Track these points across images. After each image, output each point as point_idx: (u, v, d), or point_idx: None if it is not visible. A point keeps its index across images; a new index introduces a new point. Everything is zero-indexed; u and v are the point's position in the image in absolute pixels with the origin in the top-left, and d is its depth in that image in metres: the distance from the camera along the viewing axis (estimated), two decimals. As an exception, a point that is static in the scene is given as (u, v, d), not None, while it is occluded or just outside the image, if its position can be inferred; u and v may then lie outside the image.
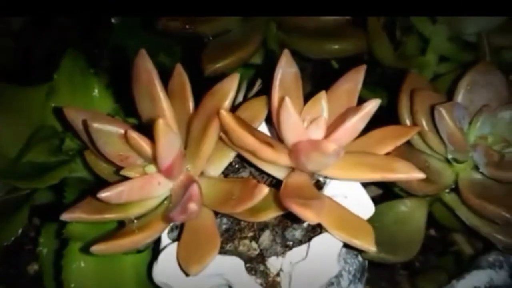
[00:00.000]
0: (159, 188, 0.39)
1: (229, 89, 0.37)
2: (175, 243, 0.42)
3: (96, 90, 0.58)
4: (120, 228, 0.41)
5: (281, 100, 0.37)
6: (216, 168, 0.44)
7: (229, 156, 0.44)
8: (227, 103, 0.37)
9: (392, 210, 0.51)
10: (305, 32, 0.53)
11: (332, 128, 0.39)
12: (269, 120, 0.44)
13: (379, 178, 0.38)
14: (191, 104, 0.42)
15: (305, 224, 0.45)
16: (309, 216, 0.34)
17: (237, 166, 0.49)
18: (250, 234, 0.46)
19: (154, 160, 0.39)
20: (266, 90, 0.48)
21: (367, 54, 0.62)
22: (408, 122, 0.49)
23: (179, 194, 0.39)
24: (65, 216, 0.37)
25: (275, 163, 0.40)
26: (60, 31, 0.70)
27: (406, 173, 0.37)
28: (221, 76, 0.47)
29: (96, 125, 0.39)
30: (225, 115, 0.35)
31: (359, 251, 0.49)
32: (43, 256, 0.51)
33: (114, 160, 0.41)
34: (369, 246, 0.37)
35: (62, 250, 0.44)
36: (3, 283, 0.53)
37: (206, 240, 0.39)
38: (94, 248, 0.36)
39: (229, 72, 0.51)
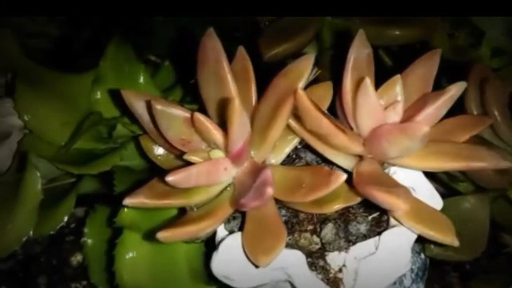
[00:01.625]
0: (225, 174, 0.37)
1: (304, 69, 0.35)
2: (235, 234, 0.40)
3: (142, 78, 0.57)
4: (180, 216, 0.39)
5: (358, 82, 0.35)
6: (278, 156, 0.41)
7: (292, 143, 0.42)
8: (302, 83, 0.35)
9: (455, 207, 0.48)
10: (363, 17, 0.51)
11: (409, 114, 0.36)
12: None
13: (464, 167, 0.35)
14: (254, 88, 0.40)
15: (369, 218, 0.43)
16: (398, 204, 0.31)
17: (293, 156, 0.47)
18: (310, 227, 0.44)
19: (220, 144, 0.37)
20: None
21: (420, 44, 0.60)
22: (475, 113, 0.46)
23: (244, 181, 0.37)
24: (127, 201, 0.35)
25: (346, 150, 0.37)
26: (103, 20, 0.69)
27: (492, 161, 0.35)
28: (277, 63, 0.45)
29: (160, 107, 0.37)
30: (302, 94, 0.33)
31: (423, 249, 0.47)
32: (88, 246, 0.50)
33: (176, 145, 0.39)
34: (452, 240, 0.35)
35: (114, 239, 0.42)
36: (46, 273, 0.52)
37: (273, 230, 0.37)
38: (160, 235, 0.34)
39: (287, 58, 0.50)
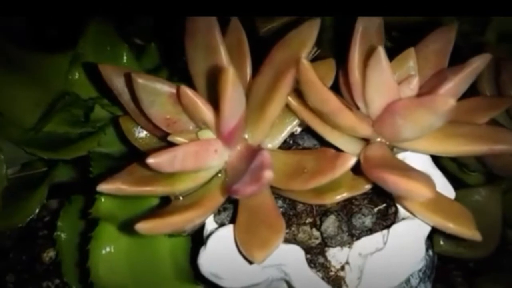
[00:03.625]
0: (215, 157, 0.32)
1: (308, 36, 0.31)
2: (226, 227, 0.36)
3: (125, 58, 0.52)
4: (163, 205, 0.34)
5: (367, 55, 0.31)
6: (275, 139, 0.37)
7: (291, 126, 0.37)
8: (305, 53, 0.30)
9: (465, 199, 0.44)
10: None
11: (425, 90, 0.32)
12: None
13: (486, 150, 0.31)
14: (249, 63, 0.35)
15: (375, 210, 0.39)
16: (421, 191, 0.27)
17: (291, 142, 0.43)
18: (309, 220, 0.40)
19: (210, 123, 0.32)
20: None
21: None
22: (488, 95, 0.43)
23: (238, 166, 0.32)
24: (103, 187, 0.30)
25: (353, 131, 0.33)
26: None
27: (516, 144, 0.30)
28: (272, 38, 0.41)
29: (142, 81, 0.32)
30: (306, 65, 0.29)
31: (431, 245, 0.43)
32: (62, 241, 0.45)
33: (160, 125, 0.34)
34: (473, 233, 0.31)
35: (89, 232, 0.38)
36: (16, 271, 0.46)
37: (269, 222, 0.32)
38: (140, 227, 0.29)
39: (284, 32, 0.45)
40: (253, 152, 0.31)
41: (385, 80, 0.30)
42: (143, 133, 0.39)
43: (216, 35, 0.32)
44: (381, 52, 0.29)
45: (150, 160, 0.29)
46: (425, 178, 0.28)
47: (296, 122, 0.37)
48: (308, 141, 0.43)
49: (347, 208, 0.39)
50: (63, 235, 0.45)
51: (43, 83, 0.48)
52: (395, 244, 0.35)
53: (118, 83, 0.36)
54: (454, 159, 0.45)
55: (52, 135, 0.44)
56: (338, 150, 0.38)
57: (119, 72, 0.37)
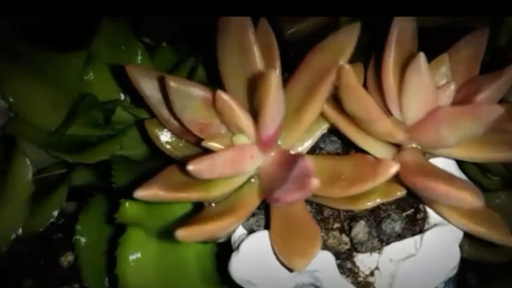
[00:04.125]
0: (251, 163, 0.32)
1: (348, 41, 0.30)
2: (259, 233, 0.35)
3: (139, 58, 0.51)
4: (196, 211, 0.34)
5: (401, 60, 0.31)
6: (305, 144, 0.37)
7: (321, 130, 0.37)
8: (345, 58, 0.30)
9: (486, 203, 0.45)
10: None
11: (460, 97, 0.32)
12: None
13: (512, 157, 0.31)
14: (279, 65, 0.35)
15: (404, 215, 0.39)
16: (473, 200, 0.27)
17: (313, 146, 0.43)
18: (337, 225, 0.39)
19: (246, 128, 0.32)
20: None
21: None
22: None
23: (274, 171, 0.32)
24: (139, 193, 0.30)
25: (388, 137, 0.33)
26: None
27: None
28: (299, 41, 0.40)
29: (175, 84, 0.32)
30: (349, 70, 0.28)
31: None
32: (81, 246, 0.44)
33: (193, 129, 0.34)
34: (508, 239, 0.31)
35: (114, 237, 0.37)
36: (33, 276, 0.45)
37: (306, 230, 0.32)
38: (179, 234, 0.29)
39: (309, 35, 0.45)
40: (291, 158, 0.30)
41: (424, 87, 0.30)
42: (170, 137, 0.38)
43: (249, 36, 0.32)
44: (422, 57, 0.29)
45: (190, 167, 0.29)
46: (473, 187, 0.28)
47: (325, 126, 0.37)
48: (330, 145, 0.43)
49: (375, 213, 0.39)
50: (82, 239, 0.44)
51: (58, 83, 0.48)
52: (429, 250, 0.35)
53: (145, 86, 0.36)
54: (477, 164, 0.45)
55: (73, 138, 0.43)
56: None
57: (146, 73, 0.36)
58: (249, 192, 0.33)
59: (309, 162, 0.28)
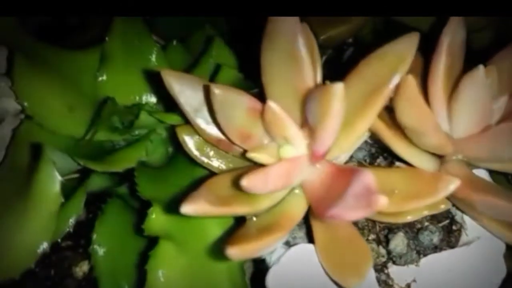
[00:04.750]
0: (300, 176, 0.30)
1: (408, 51, 0.29)
2: (300, 247, 0.34)
3: (154, 56, 0.49)
4: (239, 224, 0.32)
5: (458, 68, 0.30)
6: (346, 153, 0.36)
7: (362, 139, 0.36)
8: (405, 68, 0.29)
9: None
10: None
11: (508, 109, 0.31)
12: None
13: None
14: (319, 71, 0.34)
15: (440, 226, 0.38)
16: None
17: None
18: (372, 236, 0.38)
19: (294, 141, 0.30)
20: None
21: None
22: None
23: (322, 185, 0.30)
24: (187, 208, 0.28)
25: (437, 149, 0.32)
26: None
27: None
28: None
29: (220, 92, 0.30)
30: (411, 80, 0.27)
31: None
32: (99, 256, 0.41)
33: (234, 138, 0.32)
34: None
35: (147, 250, 0.35)
36: (43, 287, 0.43)
37: (355, 246, 0.31)
38: (231, 252, 0.27)
39: (340, 41, 0.44)
40: (347, 171, 0.29)
41: (481, 101, 0.29)
42: (201, 144, 0.36)
43: (300, 43, 0.30)
44: (481, 70, 0.28)
45: (245, 183, 0.27)
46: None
47: (366, 135, 0.36)
48: (358, 153, 0.42)
49: (410, 224, 0.38)
50: (100, 249, 0.41)
51: (74, 84, 0.45)
52: (473, 263, 0.34)
53: (180, 92, 0.34)
54: (504, 173, 0.44)
55: (92, 144, 0.40)
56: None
57: (182, 79, 0.34)
58: (293, 204, 0.32)
59: (371, 178, 0.26)
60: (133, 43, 0.49)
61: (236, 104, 0.31)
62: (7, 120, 0.42)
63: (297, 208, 0.32)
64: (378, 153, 0.43)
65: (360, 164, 0.41)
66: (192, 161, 0.43)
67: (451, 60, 0.32)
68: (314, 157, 0.29)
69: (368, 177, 0.27)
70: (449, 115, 0.32)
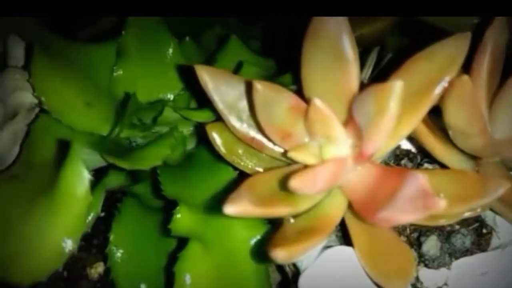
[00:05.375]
0: (342, 176, 0.30)
1: (459, 52, 0.28)
2: (335, 249, 0.33)
3: (171, 50, 0.48)
4: (277, 226, 0.31)
5: (498, 70, 0.29)
6: (383, 153, 0.35)
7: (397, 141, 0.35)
8: (456, 69, 0.28)
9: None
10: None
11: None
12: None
13: None
14: (357, 71, 0.33)
15: (470, 228, 0.38)
16: None
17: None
18: (403, 239, 0.38)
19: (339, 140, 0.29)
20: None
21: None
22: None
23: (368, 186, 0.30)
24: (231, 209, 0.27)
25: (479, 151, 0.31)
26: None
27: None
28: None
29: (263, 89, 0.29)
30: (468, 81, 0.27)
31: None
32: (117, 257, 0.40)
33: (274, 136, 0.31)
34: None
35: (177, 252, 0.34)
36: (58, 288, 0.41)
37: (397, 248, 0.30)
38: (277, 254, 0.26)
39: (372, 40, 0.43)
40: (396, 173, 0.28)
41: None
42: (233, 143, 0.35)
43: (345, 40, 0.29)
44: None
45: (294, 183, 0.26)
46: None
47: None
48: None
49: (440, 227, 0.38)
50: (117, 250, 0.40)
51: (89, 78, 0.43)
52: (506, 266, 0.34)
53: (214, 88, 0.33)
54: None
55: (110, 141, 0.39)
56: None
57: (216, 75, 0.33)
58: (333, 206, 0.31)
59: (424, 179, 0.26)
60: (149, 37, 0.48)
61: (278, 101, 0.30)
62: (21, 114, 0.40)
63: (337, 210, 0.31)
64: (403, 154, 0.42)
65: (387, 165, 0.40)
66: (215, 159, 0.42)
67: (494, 62, 0.31)
68: (361, 157, 0.28)
69: (422, 179, 0.26)
70: (491, 116, 0.31)
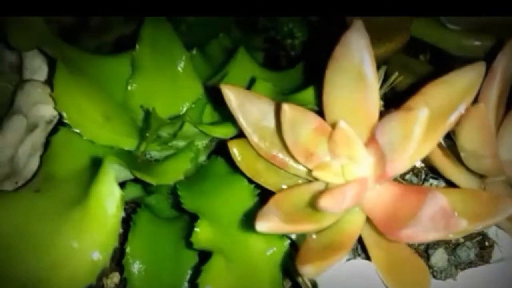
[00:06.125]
0: (365, 195, 0.31)
1: (475, 80, 0.30)
2: (354, 262, 0.35)
3: (182, 64, 0.48)
4: (297, 242, 0.33)
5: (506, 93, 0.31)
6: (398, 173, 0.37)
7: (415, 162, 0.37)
8: (471, 97, 0.30)
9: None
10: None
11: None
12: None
13: None
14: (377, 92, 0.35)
15: (475, 241, 0.40)
16: None
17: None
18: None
19: (361, 161, 0.31)
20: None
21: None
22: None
23: (388, 204, 0.31)
24: (262, 226, 0.28)
25: (488, 171, 0.34)
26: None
27: None
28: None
29: (291, 111, 0.30)
30: (484, 109, 0.29)
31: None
32: (133, 269, 0.41)
33: (298, 156, 0.33)
34: None
35: (201, 265, 0.35)
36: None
37: (412, 261, 0.32)
38: (307, 270, 0.28)
39: (378, 63, 0.45)
40: (417, 192, 0.30)
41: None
42: (254, 159, 0.36)
43: (370, 68, 0.31)
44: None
45: (323, 203, 0.28)
46: None
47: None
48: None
49: (446, 241, 0.40)
50: (133, 262, 0.41)
51: (107, 92, 0.44)
52: (508, 278, 0.36)
53: (239, 107, 0.34)
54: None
55: (128, 156, 0.40)
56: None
57: (241, 95, 0.34)
58: (353, 222, 0.33)
59: (444, 199, 0.28)
60: (162, 50, 0.49)
61: (304, 122, 0.31)
62: (40, 127, 0.40)
63: (356, 226, 0.32)
64: (408, 170, 0.44)
65: (394, 180, 0.42)
66: (229, 172, 0.43)
67: (502, 87, 0.34)
68: (383, 177, 0.30)
69: (442, 198, 0.28)
70: (498, 139, 0.33)
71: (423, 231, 0.27)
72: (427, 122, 0.30)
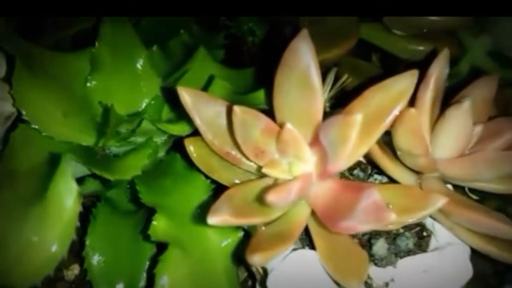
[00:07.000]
0: (309, 190, 0.34)
1: (409, 86, 0.33)
2: (300, 252, 0.38)
3: (141, 62, 0.50)
4: (251, 233, 0.35)
5: (439, 98, 0.34)
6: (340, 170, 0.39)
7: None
8: (405, 102, 0.33)
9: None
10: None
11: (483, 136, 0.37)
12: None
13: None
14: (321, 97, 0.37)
15: (413, 232, 0.43)
16: (507, 231, 0.32)
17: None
18: (355, 241, 0.43)
19: (306, 159, 0.34)
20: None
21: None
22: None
23: (330, 198, 0.34)
24: (213, 220, 0.30)
25: (423, 168, 0.37)
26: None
27: None
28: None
29: (241, 114, 0.33)
30: (415, 113, 0.32)
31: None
32: (92, 261, 0.42)
33: (249, 154, 0.35)
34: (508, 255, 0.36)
35: (157, 256, 0.37)
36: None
37: (353, 251, 0.35)
38: (255, 260, 0.30)
39: (329, 66, 0.47)
40: (354, 187, 0.33)
41: (464, 129, 0.34)
42: (209, 156, 0.39)
43: (315, 75, 0.34)
44: (467, 103, 0.33)
45: (270, 198, 0.30)
46: (505, 219, 0.33)
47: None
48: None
49: (388, 231, 0.43)
50: (94, 254, 0.42)
51: (66, 89, 0.45)
52: (443, 264, 0.39)
53: (194, 108, 0.36)
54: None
55: (85, 151, 0.41)
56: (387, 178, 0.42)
57: (195, 96, 0.36)
58: (299, 214, 0.35)
59: (377, 194, 0.31)
60: (121, 48, 0.50)
61: (254, 124, 0.34)
62: (-1, 123, 0.41)
63: (302, 218, 0.35)
64: (355, 165, 0.47)
65: (342, 174, 0.45)
66: (187, 167, 0.45)
67: (436, 92, 0.37)
68: (325, 174, 0.33)
69: (375, 194, 0.31)
70: (432, 139, 0.37)
71: (359, 223, 0.30)
72: (362, 126, 0.33)
